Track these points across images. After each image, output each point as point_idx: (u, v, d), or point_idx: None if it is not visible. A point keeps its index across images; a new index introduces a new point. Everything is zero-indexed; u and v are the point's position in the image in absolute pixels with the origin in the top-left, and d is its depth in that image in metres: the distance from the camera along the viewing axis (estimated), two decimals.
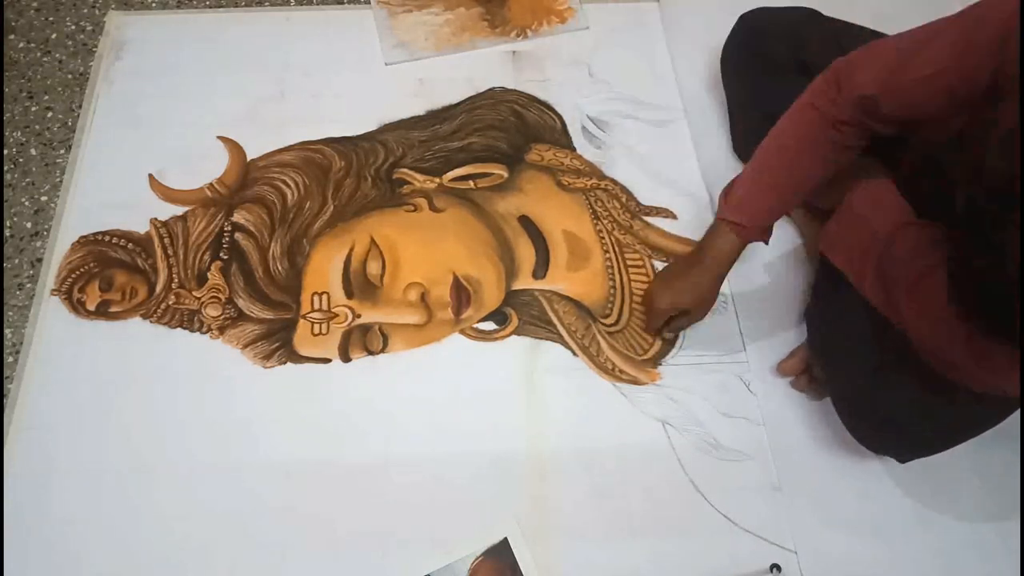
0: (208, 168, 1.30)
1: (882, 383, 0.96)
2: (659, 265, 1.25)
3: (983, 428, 0.96)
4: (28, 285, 1.21)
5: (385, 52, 1.45)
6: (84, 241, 1.24)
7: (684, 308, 1.10)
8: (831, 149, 0.92)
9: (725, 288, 1.23)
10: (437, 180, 1.32)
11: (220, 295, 1.20)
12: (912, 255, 0.89)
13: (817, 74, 0.93)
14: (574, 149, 1.37)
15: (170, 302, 1.19)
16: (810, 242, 1.24)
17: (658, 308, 1.12)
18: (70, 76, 1.42)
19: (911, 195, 0.96)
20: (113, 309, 1.19)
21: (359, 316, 1.19)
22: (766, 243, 1.06)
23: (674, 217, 1.30)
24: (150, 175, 1.30)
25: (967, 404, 0.92)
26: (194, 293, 1.20)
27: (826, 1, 1.21)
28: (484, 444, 1.10)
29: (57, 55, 1.44)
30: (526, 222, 1.29)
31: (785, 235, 1.27)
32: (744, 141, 1.29)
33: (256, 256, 1.23)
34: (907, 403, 0.94)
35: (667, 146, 1.37)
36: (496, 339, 1.19)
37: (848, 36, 1.09)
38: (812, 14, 1.20)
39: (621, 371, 1.17)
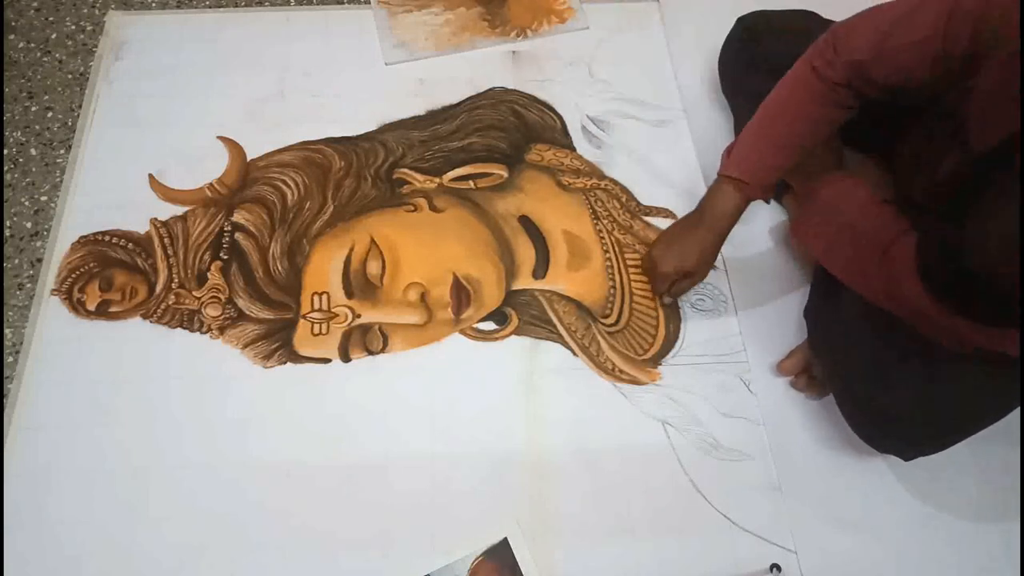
0: (208, 168, 1.30)
1: (885, 380, 0.96)
2: None
3: (988, 422, 0.95)
4: (28, 285, 1.21)
5: (385, 52, 1.45)
6: (84, 241, 1.23)
7: (687, 271, 1.11)
8: (829, 107, 0.95)
9: (725, 287, 1.24)
10: (437, 180, 1.32)
11: (220, 295, 1.20)
12: (879, 226, 0.91)
13: None
14: (574, 149, 1.37)
15: (170, 302, 1.19)
16: None
17: (663, 272, 1.13)
18: (70, 76, 1.42)
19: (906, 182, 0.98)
20: (113, 309, 1.19)
21: (359, 316, 1.19)
22: (767, 202, 1.07)
23: (674, 217, 1.30)
24: (150, 175, 1.30)
25: (970, 399, 0.92)
26: (194, 293, 1.20)
27: (825, 3, 1.21)
28: (484, 444, 1.10)
29: (57, 55, 1.44)
30: (526, 222, 1.29)
31: (784, 235, 1.27)
32: None
33: (256, 256, 1.23)
34: (910, 400, 0.93)
35: (667, 146, 1.37)
36: (496, 339, 1.19)
37: None
38: (810, 16, 1.20)
39: (621, 371, 1.17)
